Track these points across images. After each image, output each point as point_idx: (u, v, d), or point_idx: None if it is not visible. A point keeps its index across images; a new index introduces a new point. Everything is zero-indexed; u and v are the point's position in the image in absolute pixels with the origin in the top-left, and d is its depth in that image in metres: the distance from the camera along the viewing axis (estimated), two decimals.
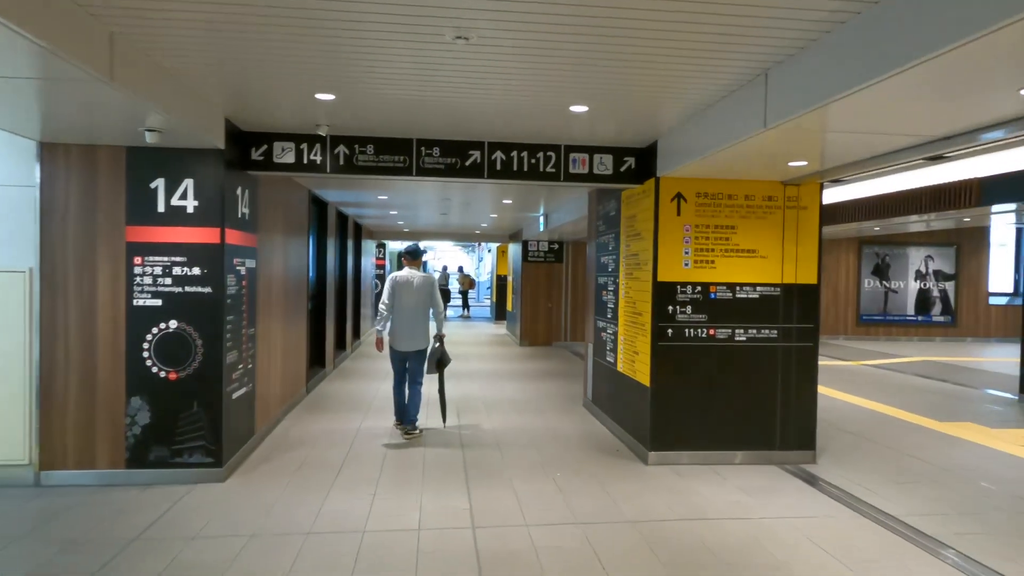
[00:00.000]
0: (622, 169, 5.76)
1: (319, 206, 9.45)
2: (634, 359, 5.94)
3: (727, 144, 4.23)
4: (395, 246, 27.00)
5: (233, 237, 5.13)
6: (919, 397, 8.78)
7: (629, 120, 4.92)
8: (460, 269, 23.71)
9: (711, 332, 5.52)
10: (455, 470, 5.35)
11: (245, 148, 5.36)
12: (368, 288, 15.15)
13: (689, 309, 5.50)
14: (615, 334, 6.56)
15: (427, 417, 6.96)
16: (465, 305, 22.62)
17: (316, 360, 9.48)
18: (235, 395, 5.26)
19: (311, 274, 9.21)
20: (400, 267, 6.72)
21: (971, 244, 16.31)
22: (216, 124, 4.76)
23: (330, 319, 9.98)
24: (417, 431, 6.31)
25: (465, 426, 6.82)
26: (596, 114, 4.73)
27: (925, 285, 16.43)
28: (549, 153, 5.66)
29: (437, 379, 6.55)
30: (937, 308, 16.46)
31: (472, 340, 15.30)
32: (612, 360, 6.64)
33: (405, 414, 6.34)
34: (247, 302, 5.51)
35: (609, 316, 6.77)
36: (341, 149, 5.46)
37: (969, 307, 16.46)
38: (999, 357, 13.38)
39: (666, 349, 5.48)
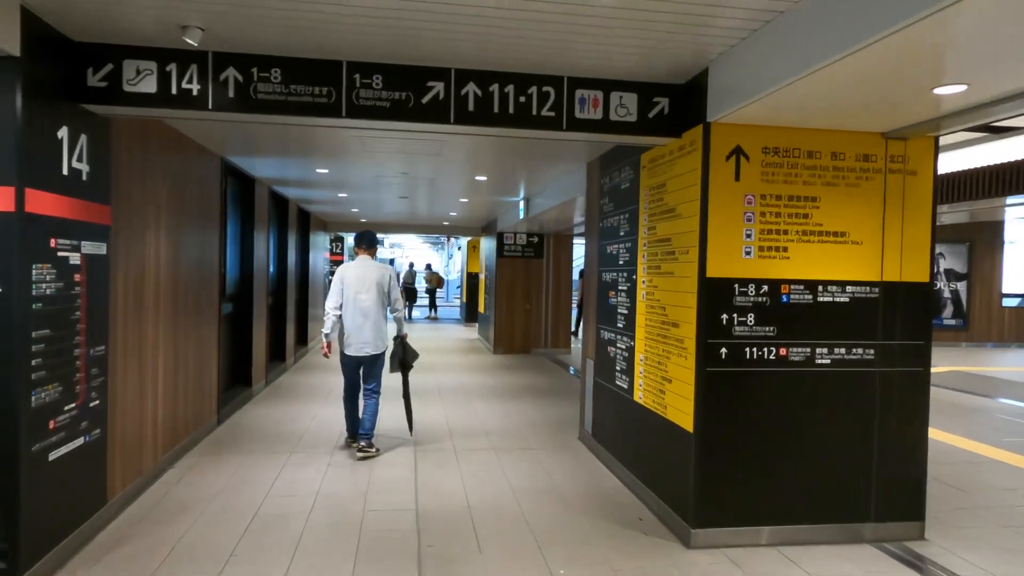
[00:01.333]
0: (651, 115, 3.98)
1: (242, 182, 7.51)
2: (664, 388, 4.17)
3: (851, 49, 2.48)
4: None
5: (48, 204, 3.22)
6: (979, 421, 7.20)
7: (664, 36, 3.15)
8: (428, 267, 21.77)
9: (782, 352, 3.78)
10: (405, 558, 3.52)
11: (76, 67, 3.45)
12: (319, 287, 13.16)
13: (751, 318, 3.75)
14: (630, 350, 4.79)
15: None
16: (432, 305, 20.71)
17: (237, 378, 7.52)
18: (56, 453, 3.35)
19: (230, 269, 7.26)
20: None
21: (985, 241, 14.96)
22: (3, 16, 2.85)
23: (260, 325, 8.03)
24: (374, 450, 5.40)
25: (426, 476, 4.97)
26: (614, 23, 2.96)
27: (936, 286, 15.04)
28: (546, 89, 3.86)
29: (401, 381, 5.71)
30: (948, 311, 15.10)
31: (440, 346, 13.43)
32: (625, 386, 4.87)
33: (359, 428, 5.42)
34: (86, 307, 3.59)
35: (621, 325, 5.00)
36: (231, 74, 3.57)
37: (982, 309, 15.12)
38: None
39: (718, 377, 3.72)
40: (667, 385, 4.13)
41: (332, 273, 18.07)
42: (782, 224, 3.75)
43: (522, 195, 8.94)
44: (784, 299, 3.76)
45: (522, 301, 12.37)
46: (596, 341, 5.66)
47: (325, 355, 5.55)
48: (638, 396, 4.63)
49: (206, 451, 5.47)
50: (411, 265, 21.02)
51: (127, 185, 4.15)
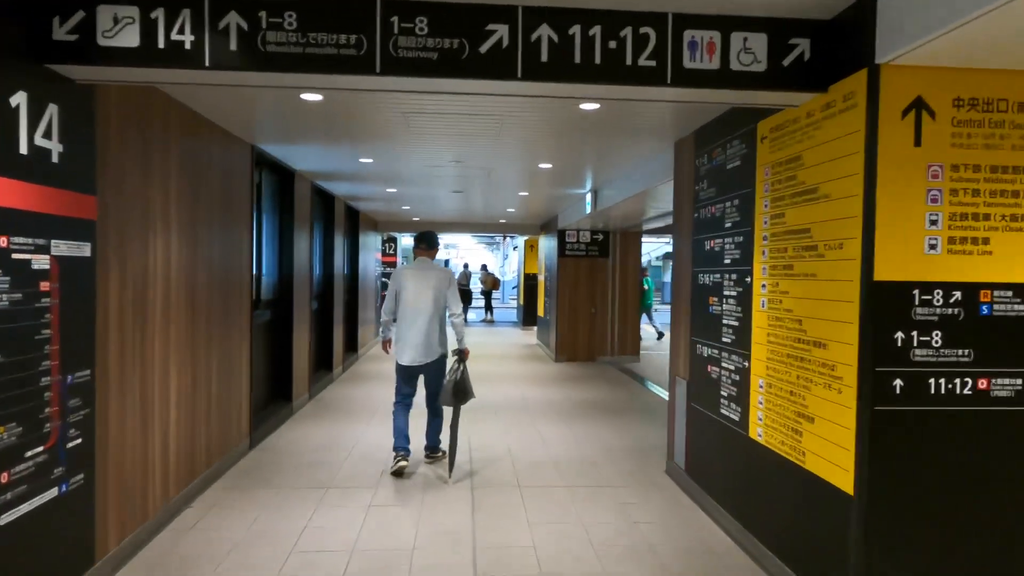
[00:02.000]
0: (785, 61, 2.96)
1: (280, 175, 6.80)
2: (800, 428, 3.14)
3: None
4: (409, 242, 24.61)
5: (5, 194, 2.46)
6: None
7: None
8: (483, 267, 20.99)
9: (982, 384, 2.70)
10: None
11: (37, 17, 2.68)
12: (370, 289, 12.49)
13: (938, 337, 2.69)
14: (742, 372, 3.77)
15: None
16: (488, 308, 19.90)
17: (276, 393, 6.81)
18: (10, 515, 2.59)
19: (267, 273, 6.55)
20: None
21: None
22: None
23: (301, 333, 7.31)
24: (440, 452, 5.28)
25: (486, 527, 4.07)
26: None
27: None
28: (644, 30, 2.89)
29: (452, 414, 4.96)
30: None
31: (496, 352, 12.56)
32: (736, 417, 3.85)
33: (406, 442, 5.02)
34: (60, 322, 2.83)
35: (727, 340, 3.98)
36: (233, 21, 2.74)
37: None
38: None
39: (891, 419, 2.67)
40: (806, 425, 3.09)
41: (385, 275, 17.49)
42: (982, 206, 2.68)
43: (589, 186, 7.97)
44: (985, 310, 2.69)
45: (586, 304, 11.37)
46: (690, 357, 4.65)
47: (385, 350, 5.29)
48: (755, 432, 3.60)
49: (232, 484, 4.72)
50: (466, 266, 20.28)
51: (121, 172, 3.39)
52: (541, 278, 13.81)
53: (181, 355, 4.15)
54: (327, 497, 4.48)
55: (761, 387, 3.55)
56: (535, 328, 16.83)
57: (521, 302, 18.08)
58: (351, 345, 10.99)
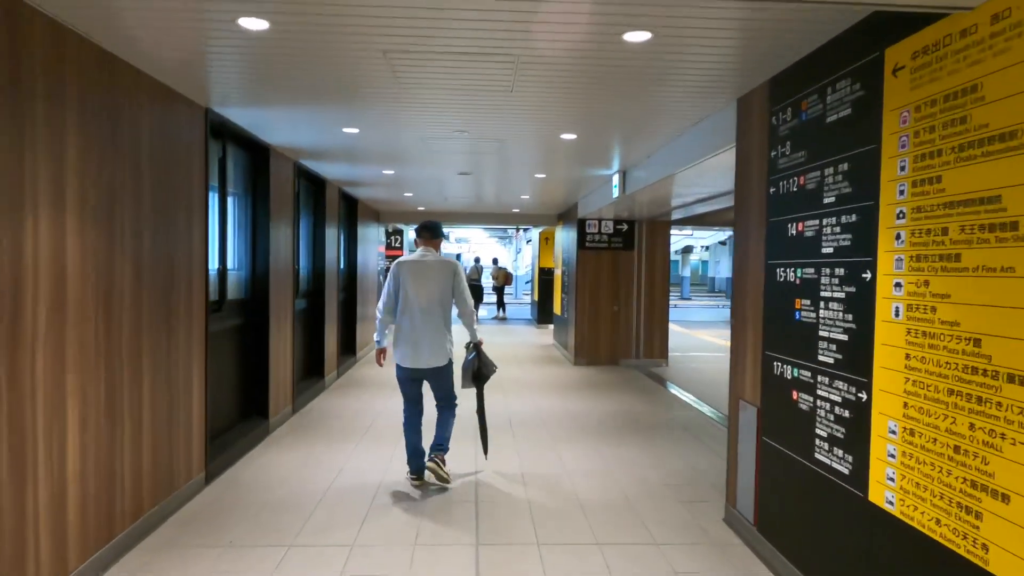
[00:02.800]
0: None
1: (251, 151, 5.75)
2: (977, 508, 2.03)
3: None
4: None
5: None
6: None
7: None
8: (495, 261, 19.92)
9: None
10: None
11: None
12: (370, 285, 11.45)
13: None
14: (855, 406, 2.66)
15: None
16: (500, 304, 18.84)
17: (250, 409, 5.78)
18: None
19: (236, 267, 5.51)
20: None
21: None
22: None
23: (282, 337, 6.26)
24: (446, 468, 4.53)
25: None
26: None
27: None
28: None
29: (476, 397, 4.78)
30: None
31: (509, 354, 11.48)
32: (845, 469, 2.74)
33: (433, 448, 4.54)
34: None
35: (831, 361, 2.87)
36: None
37: None
38: None
39: None
40: (989, 503, 1.98)
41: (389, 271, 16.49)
42: None
43: (616, 167, 6.85)
44: None
45: (608, 302, 10.26)
46: (762, 377, 3.55)
47: (378, 363, 4.63)
48: (881, 497, 2.50)
49: (172, 537, 3.68)
50: (477, 260, 19.20)
51: None
52: (558, 272, 12.71)
53: (87, 375, 3.11)
54: (289, 558, 3.43)
55: (894, 433, 2.44)
56: (551, 327, 15.76)
57: (535, 298, 16.99)
58: (348, 347, 9.96)
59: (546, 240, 16.37)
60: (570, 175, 7.47)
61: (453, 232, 31.70)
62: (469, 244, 44.34)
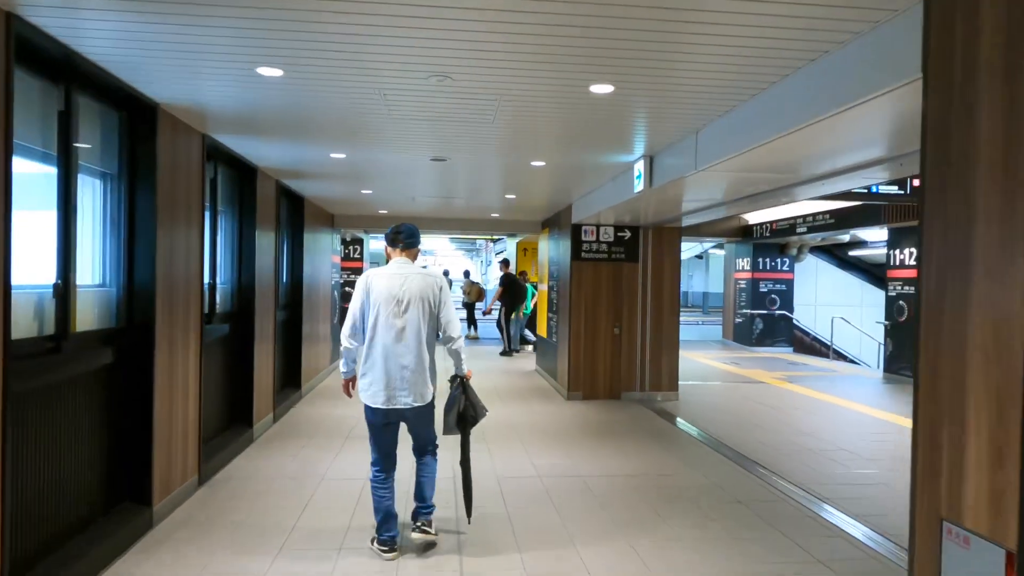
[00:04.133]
0: None
1: (127, 110, 3.90)
2: None
3: None
4: (380, 245, 21.82)
5: None
6: None
7: None
8: (466, 274, 18.11)
9: None
10: None
11: None
12: (319, 300, 9.54)
13: None
14: None
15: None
16: (472, 323, 17.03)
17: (119, 489, 3.89)
18: None
19: (105, 281, 3.66)
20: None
21: None
22: None
23: (171, 375, 4.40)
24: (434, 533, 3.71)
25: None
26: None
27: None
28: None
29: (459, 445, 3.85)
30: None
31: (487, 384, 9.69)
32: None
33: (394, 528, 3.67)
34: None
35: None
36: None
37: None
38: None
39: None
40: None
41: (348, 284, 14.54)
42: None
43: (640, 150, 5.18)
44: None
45: (608, 323, 8.58)
46: (1021, 487, 1.86)
47: (346, 392, 3.85)
48: None
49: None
50: (445, 273, 17.38)
51: None
52: (542, 287, 11.00)
53: None
54: None
55: None
56: (530, 348, 14.02)
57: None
58: (290, 379, 8.06)
59: (524, 251, 14.70)
60: (574, 163, 5.77)
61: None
62: (435, 256, 42.48)
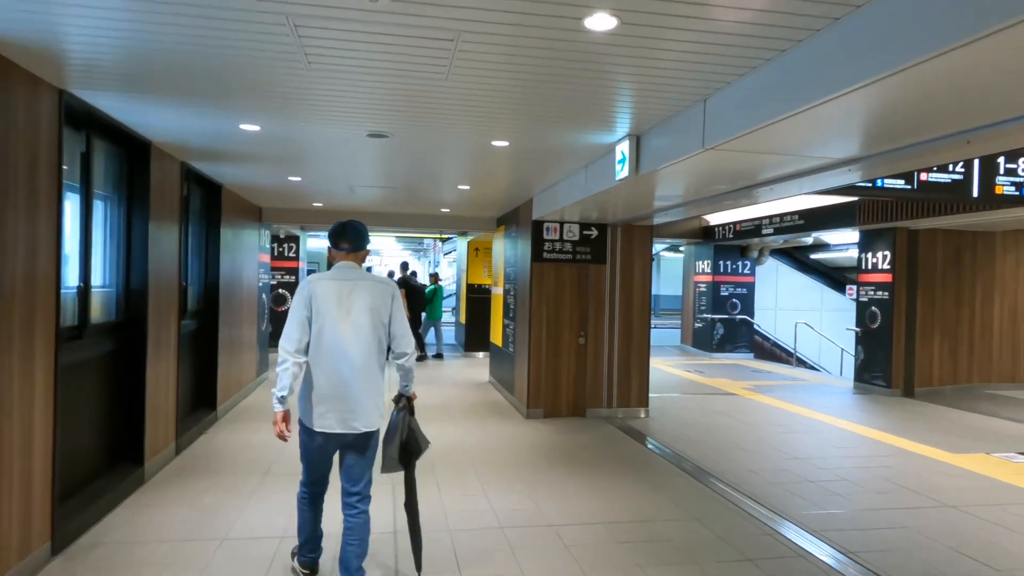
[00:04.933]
0: None
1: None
2: None
3: None
4: (319, 244, 20.35)
5: None
6: None
7: None
8: (413, 275, 16.94)
9: None
10: None
11: None
12: (240, 304, 8.32)
13: None
14: None
15: None
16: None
17: None
18: None
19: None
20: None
21: None
22: None
23: (29, 404, 3.23)
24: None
25: None
26: None
27: None
28: None
29: (404, 483, 3.38)
30: None
31: (436, 400, 8.67)
32: None
33: (317, 551, 3.41)
34: None
35: None
36: None
37: None
38: None
39: None
40: None
41: (280, 287, 13.24)
42: None
43: (626, 128, 4.28)
44: None
45: (572, 332, 7.67)
46: None
47: (281, 436, 3.01)
48: None
49: None
50: (390, 275, 16.21)
51: None
52: (496, 291, 10.03)
53: None
54: None
55: None
56: (481, 355, 13.05)
57: (462, 320, 14.23)
58: (203, 398, 6.86)
59: (476, 251, 13.70)
60: (543, 144, 4.82)
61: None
62: (381, 256, 40.84)
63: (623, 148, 4.45)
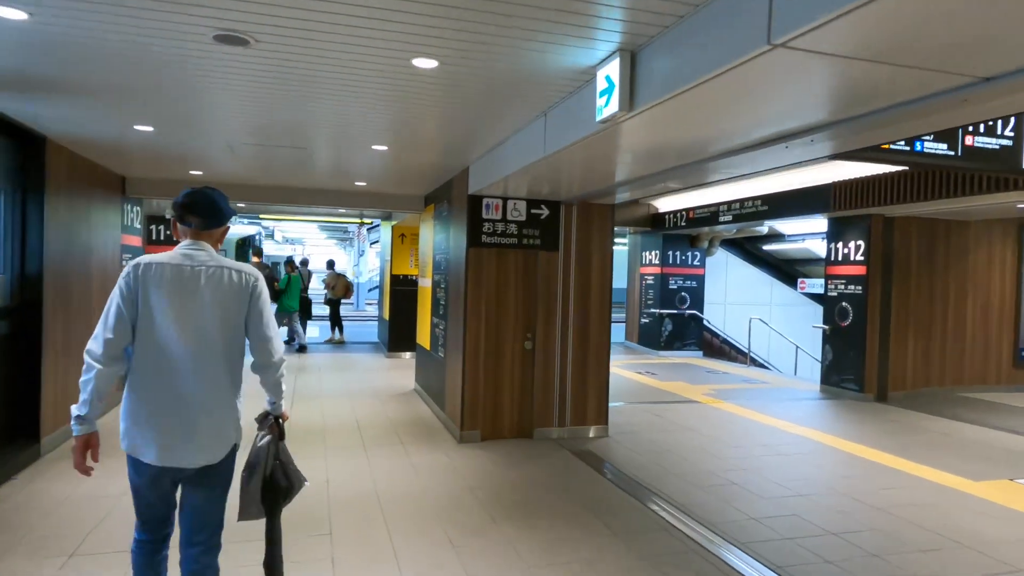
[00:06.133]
0: None
1: None
2: None
3: None
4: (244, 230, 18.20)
5: None
6: None
7: None
8: (330, 265, 15.06)
9: None
10: None
11: None
12: (97, 301, 6.41)
13: None
14: None
15: None
16: (337, 324, 14.09)
17: None
18: None
19: None
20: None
21: None
22: None
23: None
24: None
25: None
26: None
27: None
28: None
29: (265, 532, 2.63)
30: None
31: (347, 415, 7.06)
32: None
33: None
34: None
35: None
36: None
37: None
38: None
39: None
40: None
41: None
42: None
43: (615, 41, 2.82)
44: None
45: (517, 334, 6.22)
46: None
47: (81, 470, 2.32)
48: None
49: None
50: (304, 262, 14.29)
51: None
52: (424, 284, 8.45)
53: None
54: None
55: None
56: (406, 356, 11.45)
57: (386, 316, 12.55)
58: (20, 427, 5.01)
59: (401, 238, 12.05)
60: (490, 68, 3.31)
61: (279, 228, 26.17)
62: (303, 246, 38.21)
63: (610, 71, 2.98)
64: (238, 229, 19.35)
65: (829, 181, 8.62)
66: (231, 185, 7.69)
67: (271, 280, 13.09)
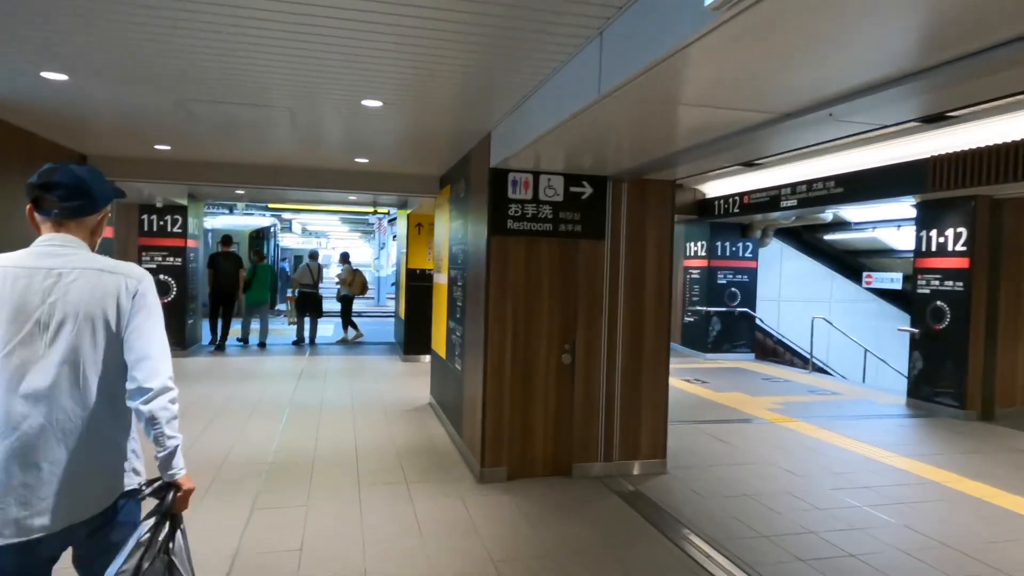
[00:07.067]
0: None
1: None
2: None
3: None
4: (224, 222, 17.36)
5: None
6: None
7: None
8: (344, 258, 13.88)
9: None
10: None
11: None
12: None
13: None
14: None
15: None
16: (349, 322, 12.90)
17: None
18: None
19: None
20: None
21: None
22: None
23: None
24: None
25: None
26: None
27: None
28: None
29: None
30: None
31: (341, 440, 5.84)
32: None
33: None
34: None
35: None
36: None
37: None
38: None
39: None
40: None
41: (158, 273, 10.11)
42: None
43: None
44: None
45: (552, 344, 4.93)
46: None
47: None
48: None
49: None
50: (314, 255, 13.13)
51: None
52: (440, 281, 7.18)
53: None
54: None
55: None
56: (423, 360, 10.22)
57: (402, 315, 11.34)
58: None
59: (418, 228, 10.82)
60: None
61: (298, 220, 25.04)
62: (329, 239, 37.15)
63: None
64: (252, 220, 18.32)
65: (923, 156, 7.14)
66: (208, 164, 6.50)
67: (273, 279, 12.23)
